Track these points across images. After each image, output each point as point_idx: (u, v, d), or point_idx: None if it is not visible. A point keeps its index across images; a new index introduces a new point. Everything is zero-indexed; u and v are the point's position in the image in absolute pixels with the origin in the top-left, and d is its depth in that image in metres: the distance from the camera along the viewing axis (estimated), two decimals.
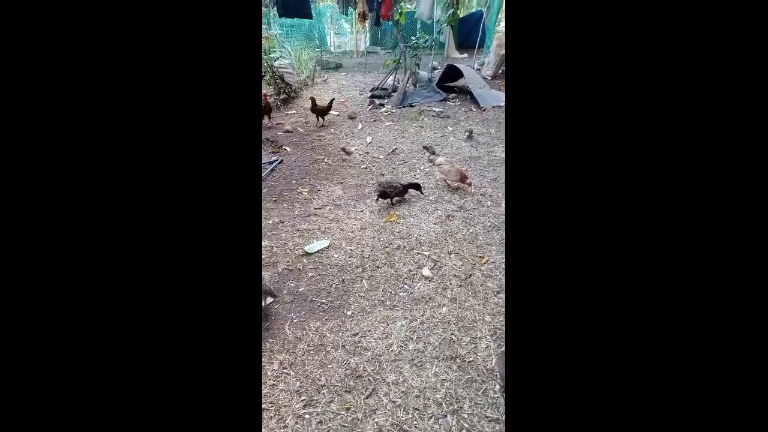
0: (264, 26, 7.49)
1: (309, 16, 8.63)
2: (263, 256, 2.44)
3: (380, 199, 2.99)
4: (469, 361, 1.73)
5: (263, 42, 6.05)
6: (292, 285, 2.20)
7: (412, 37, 6.54)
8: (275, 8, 8.02)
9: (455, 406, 1.53)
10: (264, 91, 4.86)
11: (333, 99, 5.16)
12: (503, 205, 3.03)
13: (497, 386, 1.61)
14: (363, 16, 8.55)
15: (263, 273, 2.02)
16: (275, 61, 5.98)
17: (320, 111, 4.91)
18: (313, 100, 4.91)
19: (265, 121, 4.88)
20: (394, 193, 2.97)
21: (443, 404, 1.54)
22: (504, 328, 1.90)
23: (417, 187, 3.06)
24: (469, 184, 3.19)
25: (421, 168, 3.73)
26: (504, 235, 2.65)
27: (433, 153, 3.85)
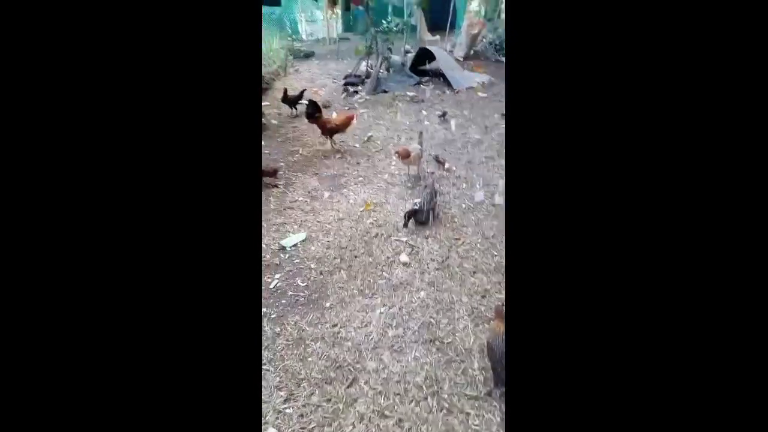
0: None
1: (277, 2, 8.37)
2: None
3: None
4: (447, 343, 1.75)
5: None
6: (268, 281, 2.18)
7: (384, 22, 6.42)
8: None
9: (435, 388, 1.55)
10: (345, 113, 3.97)
11: (304, 89, 5.05)
12: (477, 187, 3.05)
13: (476, 364, 1.64)
14: (333, 2, 8.34)
15: None
16: None
17: (292, 101, 4.81)
18: (285, 90, 4.82)
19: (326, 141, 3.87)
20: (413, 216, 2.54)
21: (423, 387, 1.56)
22: (481, 307, 1.92)
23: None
24: (411, 158, 3.02)
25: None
26: (479, 216, 2.67)
27: (443, 163, 3.40)
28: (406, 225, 2.54)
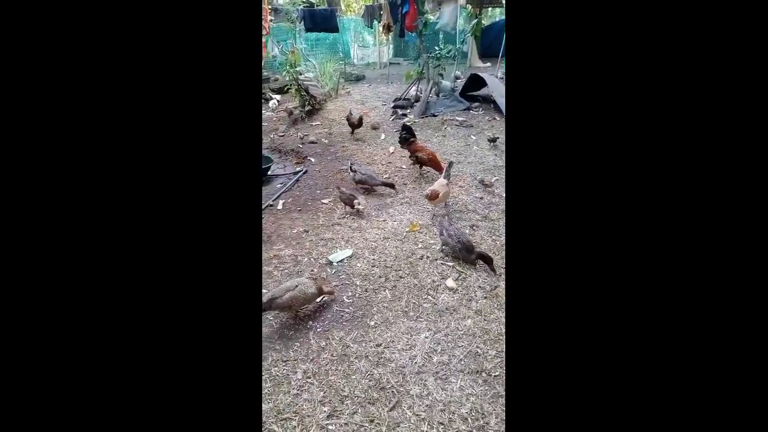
0: (290, 41, 7.73)
1: (335, 29, 8.85)
2: (289, 265, 2.48)
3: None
4: (495, 376, 1.68)
5: (289, 56, 6.20)
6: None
7: (435, 48, 6.56)
8: (302, 23, 8.28)
9: (481, 422, 1.49)
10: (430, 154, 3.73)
11: (351, 111, 5.24)
12: None
13: None
14: (387, 28, 8.68)
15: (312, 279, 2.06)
16: (300, 75, 6.13)
17: (353, 124, 4.98)
18: (360, 118, 5.02)
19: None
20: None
21: (469, 419, 1.50)
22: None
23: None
24: (440, 198, 2.98)
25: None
26: None
27: (489, 185, 3.48)
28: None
